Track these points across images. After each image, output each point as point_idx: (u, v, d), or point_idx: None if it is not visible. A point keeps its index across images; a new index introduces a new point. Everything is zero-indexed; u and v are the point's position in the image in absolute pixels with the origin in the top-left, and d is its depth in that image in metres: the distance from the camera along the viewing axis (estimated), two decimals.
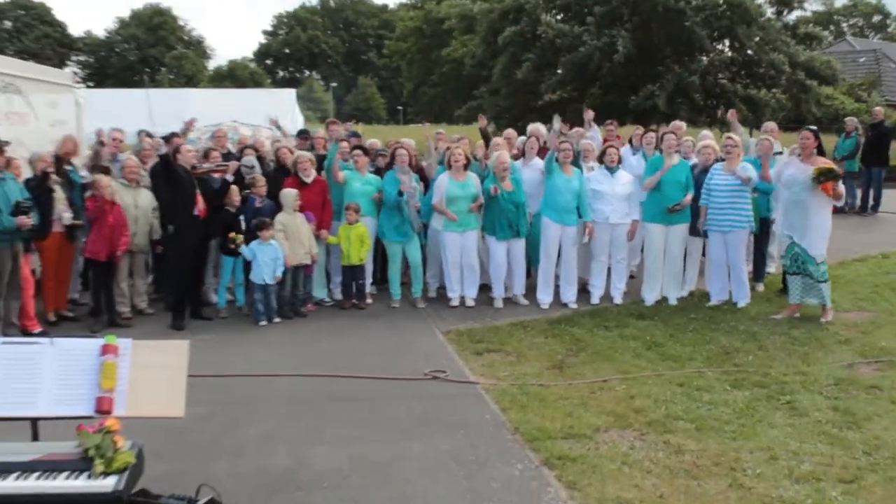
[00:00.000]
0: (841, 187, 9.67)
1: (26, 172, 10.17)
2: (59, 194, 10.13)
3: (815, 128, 10.23)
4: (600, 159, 11.13)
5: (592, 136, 12.43)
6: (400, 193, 10.67)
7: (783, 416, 6.88)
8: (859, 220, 18.57)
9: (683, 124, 13.69)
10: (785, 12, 29.99)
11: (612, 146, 11.26)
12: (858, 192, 19.55)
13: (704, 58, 27.40)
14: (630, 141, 12.91)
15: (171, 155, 10.13)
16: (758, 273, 11.53)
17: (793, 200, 9.75)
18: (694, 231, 10.81)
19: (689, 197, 10.57)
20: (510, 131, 13.34)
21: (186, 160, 10.05)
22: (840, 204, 10.05)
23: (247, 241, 10.13)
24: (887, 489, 5.47)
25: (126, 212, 10.22)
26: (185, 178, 9.97)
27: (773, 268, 12.12)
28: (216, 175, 10.30)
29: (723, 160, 10.82)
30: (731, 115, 11.91)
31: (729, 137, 10.69)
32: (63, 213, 9.98)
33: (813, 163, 9.63)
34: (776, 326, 9.67)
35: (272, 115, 13.70)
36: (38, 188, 9.67)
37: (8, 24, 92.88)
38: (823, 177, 9.43)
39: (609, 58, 25.48)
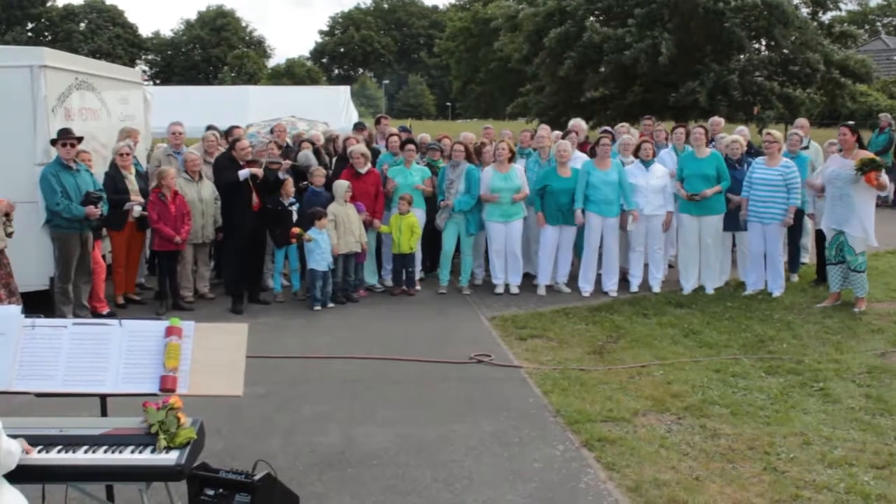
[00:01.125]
0: (884, 177, 9.53)
1: (97, 164, 10.30)
2: (134, 186, 10.25)
3: (852, 123, 10.05)
4: (636, 153, 11.05)
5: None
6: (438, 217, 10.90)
7: (816, 402, 6.78)
8: (892, 213, 18.24)
9: (722, 120, 13.50)
10: (820, 12, 29.49)
11: (646, 141, 11.22)
12: (892, 186, 19.20)
13: (742, 57, 27.03)
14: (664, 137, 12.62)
15: (228, 148, 10.26)
16: (793, 264, 11.36)
17: (837, 195, 9.59)
18: (724, 226, 10.70)
19: (715, 189, 10.42)
20: (546, 127, 13.28)
21: (241, 156, 10.13)
22: (885, 194, 9.87)
23: (304, 230, 10.16)
24: None
25: (192, 206, 10.31)
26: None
27: (806, 259, 11.93)
28: (273, 168, 10.34)
29: (757, 154, 10.68)
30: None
31: (769, 133, 10.55)
32: (134, 205, 10.08)
33: (854, 157, 9.47)
34: (810, 315, 9.53)
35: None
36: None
37: (82, 25, 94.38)
38: (867, 167, 9.28)
39: (654, 59, 25.23)
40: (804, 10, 28.34)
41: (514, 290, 11.01)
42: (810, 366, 7.67)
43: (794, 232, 11.04)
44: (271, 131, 12.83)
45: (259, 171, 10.09)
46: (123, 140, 10.62)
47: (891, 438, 5.98)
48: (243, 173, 9.96)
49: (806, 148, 11.57)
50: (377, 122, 13.94)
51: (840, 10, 30.68)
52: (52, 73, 9.64)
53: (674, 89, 26.42)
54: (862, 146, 9.87)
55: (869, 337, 8.68)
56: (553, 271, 11.06)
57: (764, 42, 27.88)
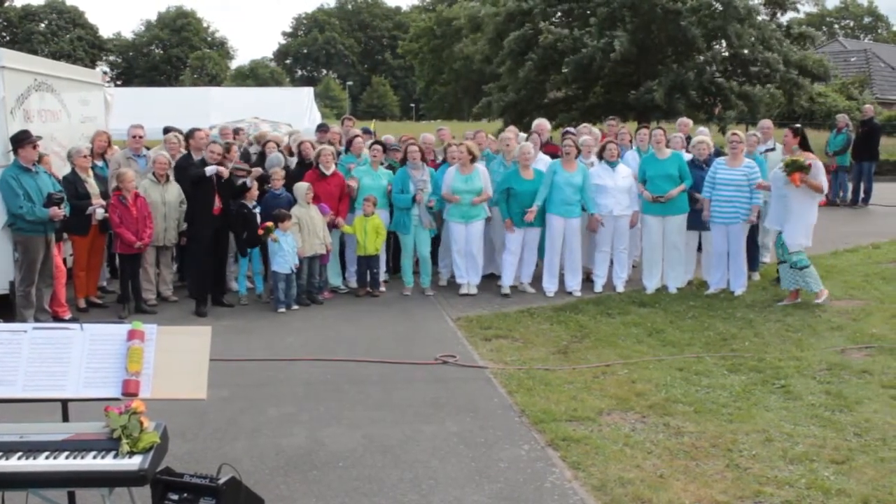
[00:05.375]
0: (817, 180, 9.58)
1: (57, 166, 10.17)
2: (94, 189, 10.14)
3: (797, 126, 10.17)
4: (600, 155, 11.08)
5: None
6: (414, 200, 10.75)
7: (778, 399, 6.85)
8: (851, 213, 18.50)
9: (690, 121, 13.59)
10: (779, 13, 29.83)
11: (611, 142, 11.25)
12: (850, 186, 19.53)
13: (701, 57, 27.25)
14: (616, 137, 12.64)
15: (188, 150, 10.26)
16: (752, 262, 11.41)
17: (777, 195, 9.85)
18: (689, 225, 10.78)
19: (679, 189, 10.52)
20: (513, 128, 13.31)
21: (210, 157, 10.07)
22: (821, 196, 9.90)
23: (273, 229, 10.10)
24: (877, 469, 5.43)
25: (155, 208, 10.22)
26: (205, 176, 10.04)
27: (767, 258, 12.05)
28: (238, 175, 10.30)
29: (718, 154, 10.78)
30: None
31: (735, 134, 10.64)
32: (96, 208, 9.97)
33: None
34: (771, 314, 9.63)
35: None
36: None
37: (42, 26, 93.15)
38: (790, 168, 9.49)
39: (608, 57, 25.41)
40: (763, 11, 28.64)
41: (473, 290, 11.03)
42: (772, 363, 7.75)
43: (754, 231, 11.14)
44: (235, 132, 12.74)
45: (225, 171, 10.03)
46: (89, 143, 10.59)
47: (850, 434, 6.06)
48: (210, 169, 9.90)
49: (773, 150, 11.67)
50: (341, 122, 13.88)
51: (798, 10, 31.03)
52: (10, 74, 9.51)
53: (635, 90, 26.61)
54: (807, 148, 9.95)
55: (829, 334, 8.78)
56: (518, 271, 11.09)
57: (725, 43, 28.08)
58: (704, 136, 11.70)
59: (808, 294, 9.97)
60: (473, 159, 10.89)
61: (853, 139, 19.47)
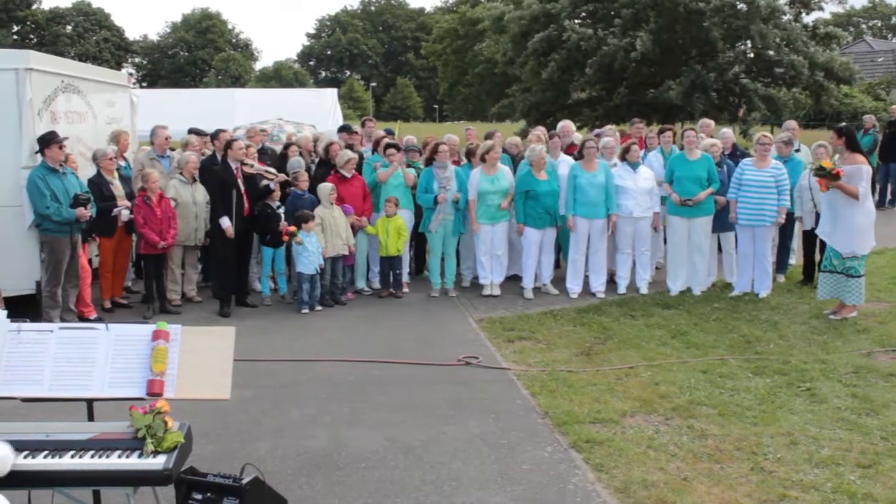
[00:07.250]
0: (851, 185, 9.08)
1: (83, 167, 10.25)
2: (119, 191, 10.22)
3: (841, 126, 9.76)
4: (623, 157, 11.04)
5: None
6: (436, 202, 10.78)
7: (803, 402, 6.80)
8: (878, 214, 18.13)
9: (712, 122, 13.49)
10: (804, 13, 29.54)
11: (634, 143, 11.22)
12: (877, 187, 19.30)
13: (723, 57, 27.03)
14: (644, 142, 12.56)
15: (224, 150, 10.26)
16: (781, 264, 11.36)
17: (825, 200, 9.51)
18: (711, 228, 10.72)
19: (707, 192, 10.44)
20: (541, 128, 13.26)
21: (236, 157, 10.11)
22: (864, 200, 9.38)
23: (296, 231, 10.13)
24: None
25: (187, 208, 10.31)
26: (231, 175, 10.07)
27: (793, 260, 11.95)
28: (266, 178, 10.34)
29: (743, 156, 10.69)
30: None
31: (764, 135, 10.53)
32: (122, 209, 10.04)
33: (844, 160, 9.35)
34: (796, 316, 9.56)
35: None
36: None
37: (69, 28, 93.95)
38: (817, 173, 9.27)
39: (630, 57, 25.29)
40: (788, 11, 28.38)
41: (496, 290, 11.03)
42: (797, 366, 7.70)
43: (785, 233, 11.05)
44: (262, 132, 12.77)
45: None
46: (110, 144, 10.64)
47: (877, 438, 6.01)
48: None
49: (798, 150, 11.57)
50: (362, 124, 13.89)
51: (822, 9, 30.68)
52: (37, 76, 9.59)
53: (656, 90, 26.48)
54: (856, 148, 9.51)
55: (855, 337, 8.71)
56: (538, 272, 11.07)
57: (750, 43, 27.84)
58: (723, 136, 11.61)
59: (825, 302, 9.72)
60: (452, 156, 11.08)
61: (880, 140, 19.27)
